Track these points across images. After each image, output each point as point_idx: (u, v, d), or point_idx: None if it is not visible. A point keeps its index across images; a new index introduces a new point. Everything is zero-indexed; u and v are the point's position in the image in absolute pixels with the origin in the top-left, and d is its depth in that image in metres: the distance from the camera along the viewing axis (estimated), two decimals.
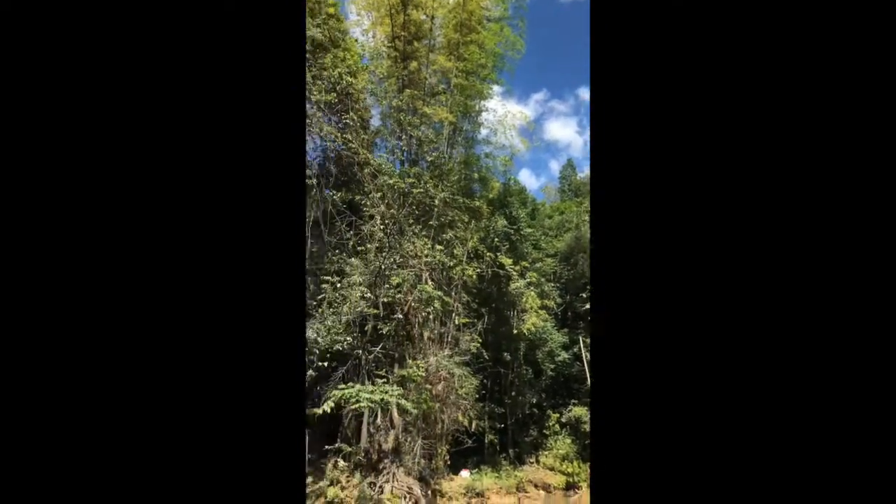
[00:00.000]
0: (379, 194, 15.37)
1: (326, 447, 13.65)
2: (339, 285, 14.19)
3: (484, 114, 20.37)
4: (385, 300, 14.33)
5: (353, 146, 15.24)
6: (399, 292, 14.53)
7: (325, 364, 13.61)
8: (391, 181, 15.52)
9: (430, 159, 17.62)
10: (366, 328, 14.41)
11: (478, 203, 19.66)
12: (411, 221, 16.08)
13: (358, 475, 13.20)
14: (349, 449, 13.43)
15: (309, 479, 13.62)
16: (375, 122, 18.44)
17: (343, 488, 12.83)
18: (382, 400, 12.71)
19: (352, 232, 15.34)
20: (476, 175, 20.80)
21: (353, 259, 14.96)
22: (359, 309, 14.02)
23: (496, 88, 21.18)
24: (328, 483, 12.83)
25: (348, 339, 13.87)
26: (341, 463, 13.26)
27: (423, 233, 16.44)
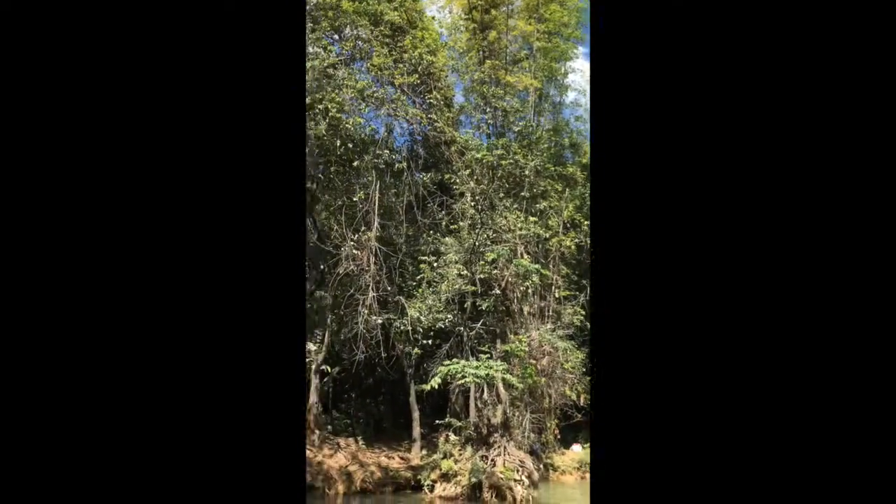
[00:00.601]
0: (467, 171, 15.30)
1: (437, 422, 14.12)
2: (435, 265, 14.49)
3: (570, 76, 19.35)
4: (481, 276, 14.38)
5: (439, 125, 15.26)
6: (495, 268, 14.46)
7: (429, 342, 14.06)
8: (479, 155, 15.36)
9: (517, 129, 17.14)
10: (465, 305, 14.60)
11: (571, 170, 18.79)
12: (501, 195, 15.83)
13: (469, 449, 13.46)
14: (459, 423, 13.75)
15: (423, 453, 14.24)
16: (458, 98, 18.28)
17: (456, 461, 13.18)
18: (487, 375, 12.79)
19: (444, 212, 15.50)
20: (567, 141, 19.88)
21: (447, 238, 15.15)
22: (456, 287, 14.25)
23: (582, 48, 19.96)
24: (441, 456, 13.26)
25: (449, 316, 14.23)
26: (452, 437, 13.61)
27: (515, 206, 16.12)
